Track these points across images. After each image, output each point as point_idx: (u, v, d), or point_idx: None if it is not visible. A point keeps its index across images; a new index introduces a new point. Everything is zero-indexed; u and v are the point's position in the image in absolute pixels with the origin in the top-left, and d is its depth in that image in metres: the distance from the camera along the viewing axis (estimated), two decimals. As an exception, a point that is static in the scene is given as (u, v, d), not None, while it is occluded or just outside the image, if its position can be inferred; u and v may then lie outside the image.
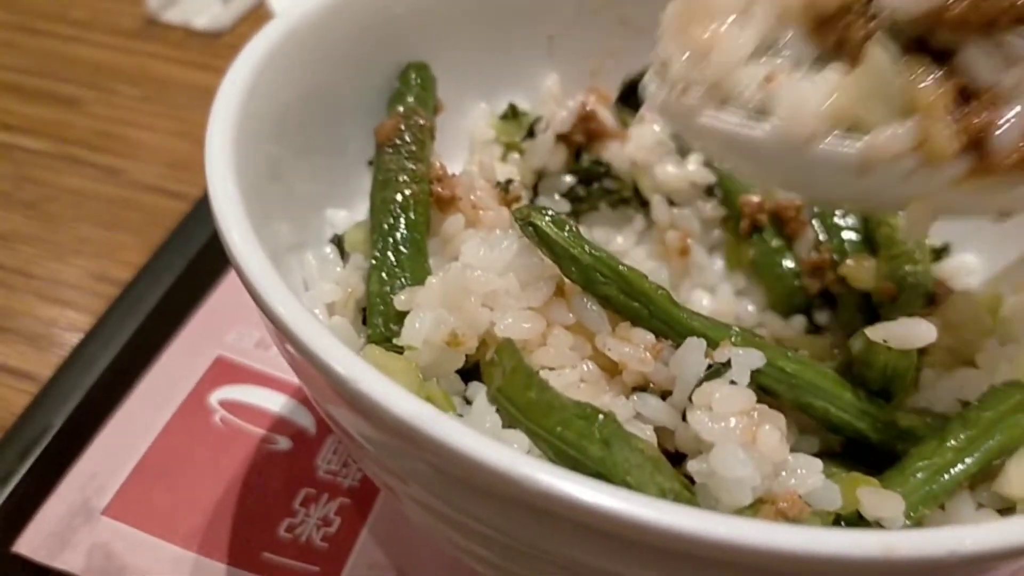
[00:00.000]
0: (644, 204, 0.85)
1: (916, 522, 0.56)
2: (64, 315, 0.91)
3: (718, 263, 0.84)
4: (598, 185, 0.83)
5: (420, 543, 0.71)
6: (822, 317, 0.80)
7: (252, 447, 0.78)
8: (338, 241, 0.68)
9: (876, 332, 0.57)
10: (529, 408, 0.44)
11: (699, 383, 0.53)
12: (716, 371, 0.54)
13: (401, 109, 0.72)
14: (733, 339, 0.57)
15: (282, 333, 0.46)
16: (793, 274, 0.81)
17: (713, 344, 0.56)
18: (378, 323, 0.61)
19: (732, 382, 0.53)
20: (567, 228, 0.57)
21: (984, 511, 0.58)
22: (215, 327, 0.86)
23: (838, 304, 0.79)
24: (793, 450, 0.59)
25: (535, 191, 0.84)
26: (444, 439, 0.39)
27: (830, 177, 0.51)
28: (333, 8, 0.69)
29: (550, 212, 0.58)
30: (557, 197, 0.83)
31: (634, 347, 0.55)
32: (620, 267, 0.57)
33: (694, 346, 0.55)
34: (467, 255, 0.58)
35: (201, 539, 0.71)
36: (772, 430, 0.50)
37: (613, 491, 0.38)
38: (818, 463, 0.52)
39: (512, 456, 0.39)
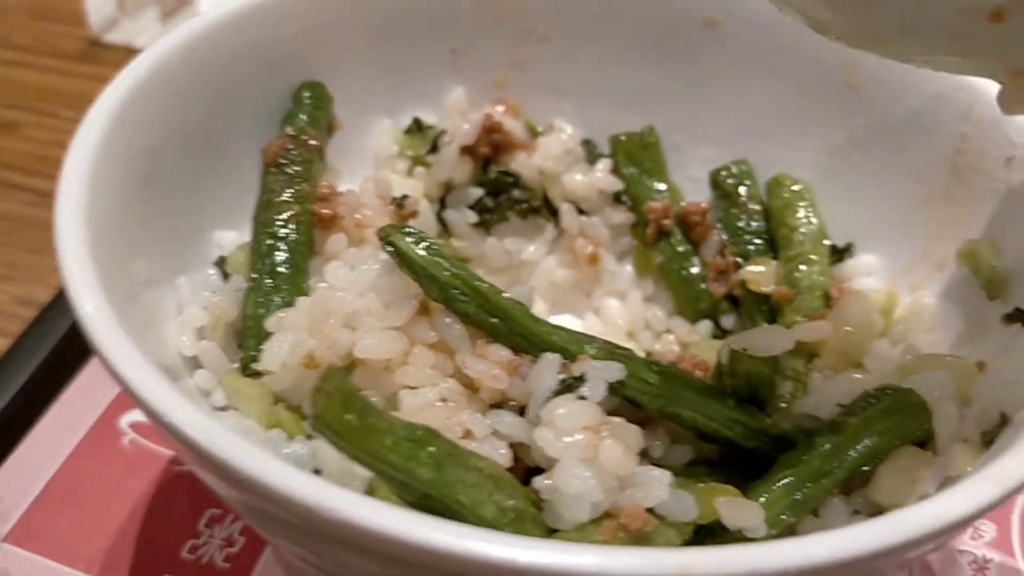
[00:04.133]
0: (554, 213, 0.85)
1: (783, 530, 0.55)
2: (-12, 341, 0.91)
3: (628, 269, 0.84)
4: (507, 196, 0.83)
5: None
6: (728, 321, 0.80)
7: (160, 469, 0.78)
8: (222, 263, 0.68)
9: (736, 341, 0.57)
10: (349, 433, 0.44)
11: (550, 398, 0.53)
12: (568, 386, 0.54)
13: (289, 129, 0.72)
14: (592, 352, 0.57)
15: (105, 368, 0.46)
16: (699, 278, 0.80)
17: (572, 357, 0.56)
18: (251, 346, 0.61)
19: (582, 397, 0.53)
20: (426, 246, 0.57)
21: (858, 517, 0.58)
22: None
23: (741, 308, 0.79)
24: (663, 460, 0.59)
25: (443, 204, 0.84)
26: (230, 461, 0.39)
27: (952, 18, 0.45)
28: (213, 32, 0.70)
29: (411, 230, 0.58)
30: (465, 209, 0.83)
31: (489, 364, 0.55)
32: (477, 284, 0.57)
33: (548, 361, 0.55)
34: (329, 277, 0.59)
35: (102, 563, 0.71)
36: (615, 444, 0.50)
37: (402, 516, 0.38)
38: (666, 475, 0.51)
39: (295, 479, 0.39)
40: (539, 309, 0.85)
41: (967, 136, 0.71)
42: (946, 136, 0.72)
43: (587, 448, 0.50)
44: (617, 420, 0.53)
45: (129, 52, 1.31)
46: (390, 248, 0.57)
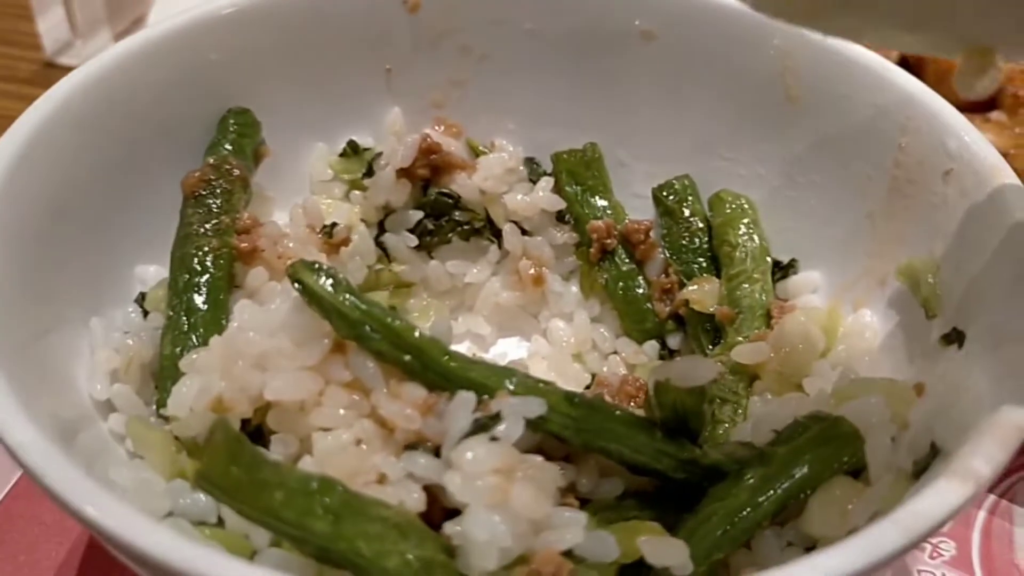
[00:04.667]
0: (497, 234, 0.83)
1: (713, 566, 0.54)
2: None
3: (574, 290, 0.82)
4: (448, 218, 0.82)
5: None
6: (675, 341, 0.78)
7: (97, 508, 0.76)
8: (143, 300, 0.66)
9: (660, 372, 0.55)
10: (237, 489, 0.42)
11: (462, 439, 0.51)
12: (483, 426, 0.52)
13: (211, 159, 0.70)
14: (511, 387, 0.55)
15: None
16: (644, 298, 0.79)
17: (491, 393, 0.54)
18: (167, 388, 0.59)
19: (494, 438, 0.51)
20: (334, 282, 0.55)
21: (792, 549, 0.56)
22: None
23: (687, 328, 0.77)
24: (592, 494, 0.58)
25: (382, 228, 0.82)
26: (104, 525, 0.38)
27: None
28: (131, 60, 0.68)
29: (321, 266, 0.56)
30: (404, 233, 0.81)
31: (402, 404, 0.54)
32: (389, 320, 0.55)
33: (461, 401, 0.53)
34: (238, 316, 0.57)
35: (35, 608, 0.70)
36: (527, 486, 0.48)
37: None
38: (582, 516, 0.50)
39: (174, 547, 0.37)
40: (485, 332, 0.83)
41: (904, 148, 0.69)
42: (884, 148, 0.71)
43: (496, 492, 0.48)
44: (535, 459, 0.51)
45: (82, 75, 1.30)
46: (298, 285, 0.55)
